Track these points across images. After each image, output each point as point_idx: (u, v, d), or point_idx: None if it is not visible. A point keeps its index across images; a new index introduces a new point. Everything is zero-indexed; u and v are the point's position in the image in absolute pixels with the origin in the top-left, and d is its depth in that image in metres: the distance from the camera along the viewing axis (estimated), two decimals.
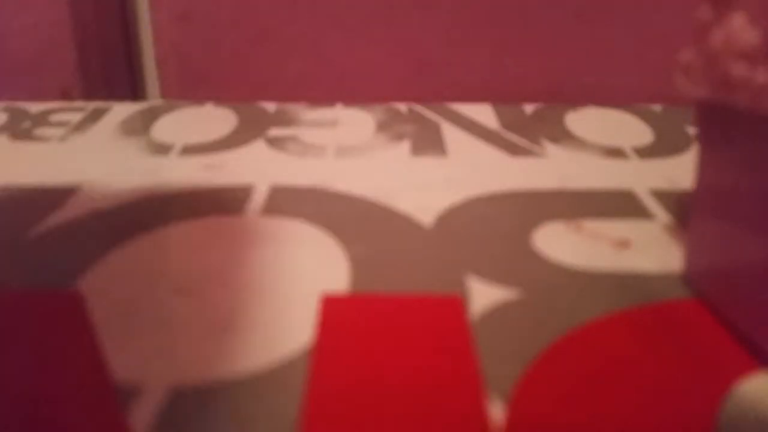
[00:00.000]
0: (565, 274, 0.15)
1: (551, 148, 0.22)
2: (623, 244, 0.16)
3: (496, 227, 0.17)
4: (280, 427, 0.11)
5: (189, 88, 0.30)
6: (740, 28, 0.11)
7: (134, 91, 0.33)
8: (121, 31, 0.32)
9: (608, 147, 0.23)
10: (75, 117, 0.25)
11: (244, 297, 0.14)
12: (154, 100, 0.32)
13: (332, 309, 0.13)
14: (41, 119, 0.25)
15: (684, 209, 0.18)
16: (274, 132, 0.24)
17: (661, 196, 0.19)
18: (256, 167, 0.21)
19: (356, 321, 0.13)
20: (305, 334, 0.13)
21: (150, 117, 0.26)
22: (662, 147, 0.23)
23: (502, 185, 0.19)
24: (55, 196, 0.19)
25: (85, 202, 0.18)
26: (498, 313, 0.13)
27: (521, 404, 0.11)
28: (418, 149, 0.22)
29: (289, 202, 0.18)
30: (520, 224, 0.17)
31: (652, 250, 0.16)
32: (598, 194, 0.19)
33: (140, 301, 0.14)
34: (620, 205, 0.18)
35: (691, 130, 0.24)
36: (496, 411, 0.11)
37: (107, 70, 0.32)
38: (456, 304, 0.14)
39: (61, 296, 0.14)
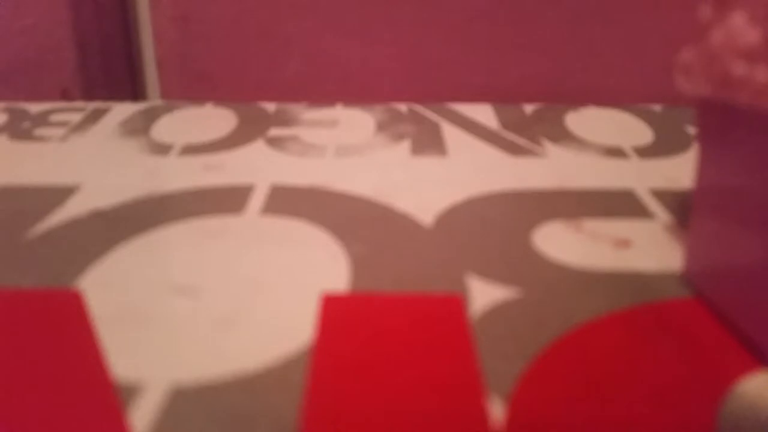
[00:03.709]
0: (565, 273, 0.15)
1: (551, 148, 0.22)
2: (623, 244, 0.16)
3: (496, 227, 0.17)
4: (280, 426, 0.11)
5: (189, 89, 0.30)
6: (740, 27, 0.11)
7: (134, 91, 0.33)
8: (121, 31, 0.32)
9: (608, 147, 0.23)
10: (75, 117, 0.25)
11: (244, 297, 0.14)
12: (154, 100, 0.32)
13: (332, 308, 0.13)
14: (41, 119, 0.25)
15: (684, 209, 0.18)
16: (274, 132, 0.24)
17: (661, 195, 0.19)
18: (256, 167, 0.21)
19: (356, 320, 0.13)
20: (305, 334, 0.13)
21: (150, 117, 0.26)
22: (662, 147, 0.23)
23: (502, 185, 0.19)
24: (55, 196, 0.19)
25: (85, 202, 0.18)
26: (498, 313, 0.13)
27: (521, 403, 0.11)
28: (418, 149, 0.22)
29: (289, 202, 0.18)
30: (520, 224, 0.17)
31: (652, 250, 0.16)
32: (598, 194, 0.19)
33: (140, 301, 0.14)
34: (620, 204, 0.18)
35: (691, 130, 0.24)
36: (496, 410, 0.11)
37: (107, 70, 0.32)
38: (456, 303, 0.14)
39: (61, 296, 0.14)
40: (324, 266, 0.15)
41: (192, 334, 0.13)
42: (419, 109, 0.26)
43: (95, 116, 0.26)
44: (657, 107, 0.27)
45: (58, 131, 0.24)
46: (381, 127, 0.24)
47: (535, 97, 0.28)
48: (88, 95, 0.31)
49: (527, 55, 0.29)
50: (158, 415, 0.11)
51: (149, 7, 0.30)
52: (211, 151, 0.22)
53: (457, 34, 0.29)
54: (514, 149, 0.22)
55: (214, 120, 0.25)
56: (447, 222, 0.17)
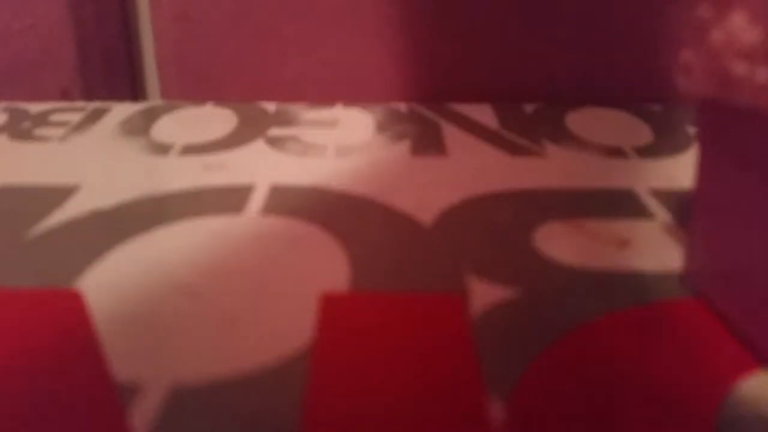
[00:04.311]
0: (565, 273, 0.15)
1: (552, 148, 0.22)
2: (623, 244, 0.16)
3: (496, 227, 0.17)
4: (280, 425, 0.11)
5: (189, 88, 0.30)
6: (740, 27, 0.11)
7: (134, 91, 0.33)
8: (121, 31, 0.32)
9: (608, 147, 0.23)
10: (75, 117, 0.25)
11: (244, 296, 0.14)
12: (155, 100, 0.32)
13: (332, 308, 0.13)
14: (41, 119, 0.25)
15: (684, 209, 0.18)
16: (274, 132, 0.24)
17: (661, 195, 0.19)
18: (256, 167, 0.21)
19: (356, 320, 0.13)
20: (305, 334, 0.13)
21: (150, 117, 0.26)
22: (662, 147, 0.23)
23: (502, 185, 0.19)
24: (55, 196, 0.19)
25: (85, 202, 0.18)
26: (498, 313, 0.13)
27: (521, 403, 0.11)
28: (418, 149, 0.22)
29: (289, 202, 0.18)
30: (520, 224, 0.17)
31: (652, 250, 0.16)
32: (599, 194, 0.19)
33: (140, 301, 0.14)
34: (620, 204, 0.18)
35: (691, 130, 0.24)
36: (496, 410, 0.11)
37: (107, 70, 0.32)
38: (456, 303, 0.14)
39: (62, 295, 0.14)
40: (324, 266, 0.15)
41: (192, 334, 0.13)
42: (419, 109, 0.26)
43: (95, 116, 0.26)
44: (657, 107, 0.27)
45: (58, 131, 0.24)
46: (381, 127, 0.24)
47: (535, 97, 0.28)
48: (88, 95, 0.31)
49: (527, 55, 0.29)
50: (158, 415, 0.11)
51: (149, 7, 0.30)
52: (211, 151, 0.22)
53: (458, 34, 0.29)
54: (514, 149, 0.22)
55: (214, 120, 0.25)
56: (447, 222, 0.17)
